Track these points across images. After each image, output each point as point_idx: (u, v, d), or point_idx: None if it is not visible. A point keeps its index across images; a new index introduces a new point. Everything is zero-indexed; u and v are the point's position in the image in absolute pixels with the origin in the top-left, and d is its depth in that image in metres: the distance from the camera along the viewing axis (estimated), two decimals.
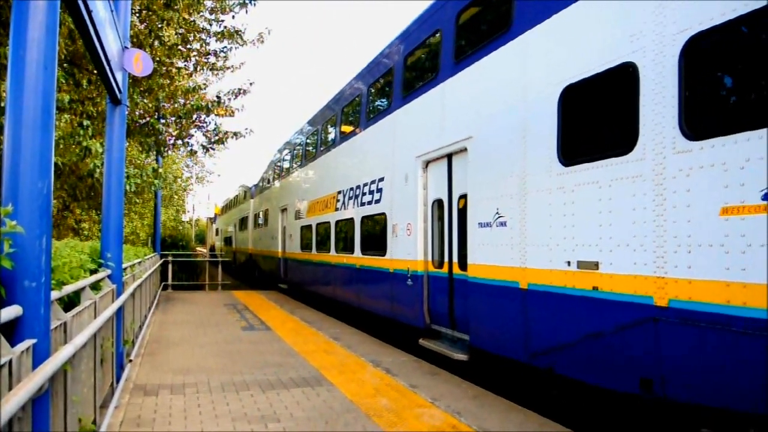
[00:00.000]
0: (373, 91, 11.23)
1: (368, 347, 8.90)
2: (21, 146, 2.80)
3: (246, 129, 15.58)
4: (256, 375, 7.02)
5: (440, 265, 8.14)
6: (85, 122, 9.42)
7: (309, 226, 15.22)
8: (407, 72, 9.49)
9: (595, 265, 4.96)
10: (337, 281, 12.81)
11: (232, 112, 15.16)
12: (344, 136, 12.68)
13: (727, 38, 3.96)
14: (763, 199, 3.58)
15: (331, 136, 14.06)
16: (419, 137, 8.63)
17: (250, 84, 14.86)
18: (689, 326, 4.07)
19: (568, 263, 5.29)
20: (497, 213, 6.46)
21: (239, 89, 14.69)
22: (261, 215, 23.79)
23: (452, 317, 7.75)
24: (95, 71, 10.29)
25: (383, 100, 10.67)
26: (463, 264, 7.37)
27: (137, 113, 13.23)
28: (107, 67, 5.52)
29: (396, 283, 9.32)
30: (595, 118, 5.35)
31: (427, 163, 8.50)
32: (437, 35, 8.30)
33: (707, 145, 3.97)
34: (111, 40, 5.55)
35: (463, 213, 7.41)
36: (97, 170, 9.45)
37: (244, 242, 29.23)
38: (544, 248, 5.65)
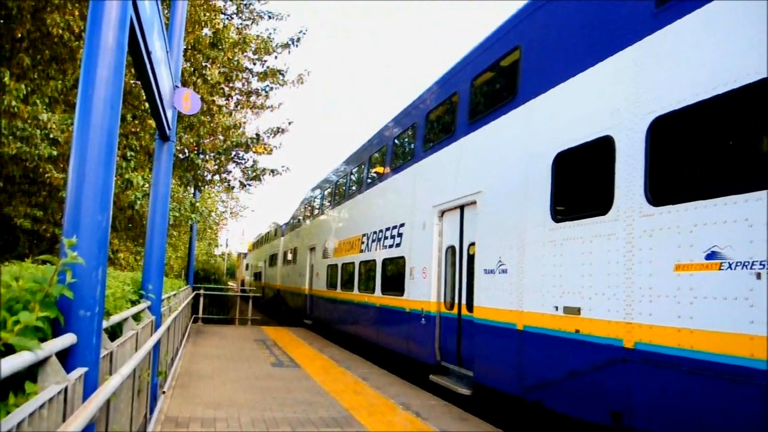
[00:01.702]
0: (397, 143, 12.17)
1: (397, 389, 9.03)
2: (84, 181, 2.90)
3: (283, 166, 15.96)
4: (286, 413, 7.09)
5: (451, 306, 8.84)
6: (129, 154, 9.89)
7: (335, 265, 16.05)
8: (428, 128, 10.40)
9: (578, 311, 5.64)
10: (359, 319, 13.53)
11: (270, 149, 15.64)
12: (370, 183, 13.60)
13: (682, 121, 4.72)
14: (706, 259, 4.27)
15: (357, 182, 15.01)
16: (436, 188, 9.46)
17: (289, 123, 15.43)
18: (650, 366, 4.71)
19: (556, 308, 5.97)
20: (500, 261, 7.19)
21: (278, 128, 15.21)
22: (290, 252, 24.75)
23: (459, 355, 8.40)
24: (139, 107, 11.19)
25: (406, 152, 11.57)
26: (470, 306, 8.06)
27: (177, 148, 13.76)
28: (159, 105, 5.68)
29: (411, 323, 10.01)
30: (581, 182, 6.11)
31: (442, 213, 9.30)
32: (455, 97, 9.21)
33: (665, 211, 4.70)
34: (164, 78, 5.76)
35: (471, 259, 8.14)
36: (138, 202, 9.77)
37: (272, 278, 30.20)
38: (537, 294, 6.34)
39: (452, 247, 8.97)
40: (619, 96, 5.42)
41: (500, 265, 7.18)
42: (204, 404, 7.29)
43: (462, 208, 8.63)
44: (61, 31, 8.83)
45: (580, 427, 5.71)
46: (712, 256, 4.23)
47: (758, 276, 3.87)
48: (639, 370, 4.84)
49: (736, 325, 4.00)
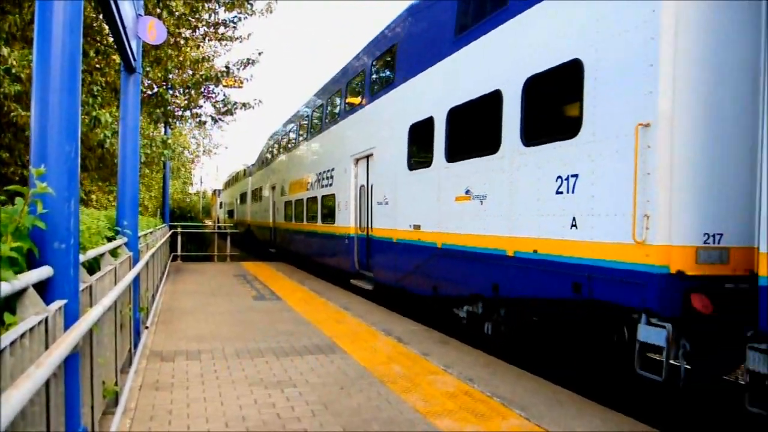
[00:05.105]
0: (329, 103, 15.17)
1: (378, 317, 9.25)
2: (49, 110, 2.79)
3: (255, 100, 15.66)
4: (270, 342, 7.16)
5: (363, 229, 12.17)
6: (96, 89, 9.53)
7: (290, 202, 19.26)
8: (348, 95, 13.42)
9: (419, 227, 8.98)
10: (308, 244, 16.93)
11: (241, 82, 15.69)
12: (312, 134, 16.65)
13: (461, 112, 7.87)
14: (465, 194, 7.56)
15: (303, 133, 18.02)
16: (353, 142, 12.60)
17: (259, 54, 14.92)
18: (446, 256, 8.10)
19: (411, 226, 9.31)
20: (385, 196, 10.47)
21: (248, 59, 14.76)
22: (257, 191, 27.81)
23: (368, 263, 11.81)
24: (102, 41, 10.97)
25: (336, 111, 14.60)
26: (372, 228, 11.39)
27: (146, 83, 13.03)
28: (123, 35, 5.45)
29: (340, 243, 13.38)
30: (421, 144, 9.29)
31: (357, 161, 12.48)
32: (363, 73, 12.20)
33: (452, 165, 7.95)
34: (127, 7, 5.54)
35: (372, 195, 11.41)
36: (107, 141, 9.45)
37: (243, 214, 33.37)
38: (402, 217, 9.67)
39: (363, 186, 12.20)
40: (438, 90, 8.54)
41: (385, 199, 10.47)
42: (187, 338, 7.38)
43: (368, 158, 11.81)
44: None
45: (422, 300, 9.19)
46: (468, 192, 7.53)
47: (481, 203, 7.20)
48: (443, 260, 8.24)
49: (473, 230, 7.36)
